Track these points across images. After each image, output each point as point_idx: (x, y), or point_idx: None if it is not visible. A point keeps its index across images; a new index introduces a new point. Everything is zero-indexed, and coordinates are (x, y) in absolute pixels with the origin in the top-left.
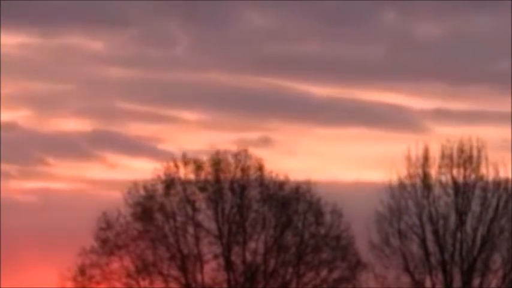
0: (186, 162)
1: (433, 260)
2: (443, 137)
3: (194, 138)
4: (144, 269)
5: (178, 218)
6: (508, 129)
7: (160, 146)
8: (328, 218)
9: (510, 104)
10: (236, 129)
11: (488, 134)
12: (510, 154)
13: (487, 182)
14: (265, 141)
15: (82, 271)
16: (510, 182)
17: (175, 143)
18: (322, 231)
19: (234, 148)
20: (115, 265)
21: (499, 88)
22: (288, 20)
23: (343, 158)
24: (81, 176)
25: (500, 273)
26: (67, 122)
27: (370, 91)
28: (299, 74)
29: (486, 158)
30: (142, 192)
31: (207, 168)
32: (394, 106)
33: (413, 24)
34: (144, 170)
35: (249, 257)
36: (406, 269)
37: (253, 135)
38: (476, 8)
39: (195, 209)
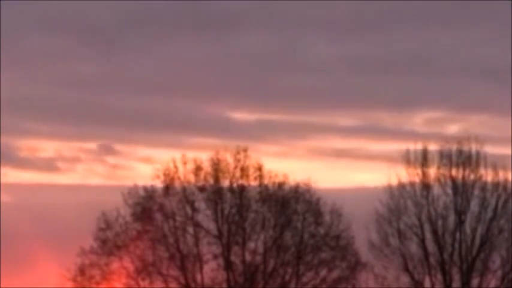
0: (185, 163)
1: (432, 260)
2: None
3: (44, 146)
4: (143, 269)
5: (178, 218)
6: (340, 139)
7: (18, 154)
8: (327, 218)
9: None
10: (77, 138)
11: (322, 144)
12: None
13: (486, 182)
14: (106, 149)
15: (82, 271)
16: (509, 182)
17: (29, 151)
18: (322, 231)
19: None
20: (115, 265)
21: (305, 101)
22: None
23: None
24: None
25: (499, 273)
26: None
27: (190, 103)
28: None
29: (485, 158)
30: (141, 192)
31: (206, 169)
32: (219, 117)
33: (174, 45)
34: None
35: (248, 257)
36: (406, 269)
37: (94, 144)
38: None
39: (194, 209)
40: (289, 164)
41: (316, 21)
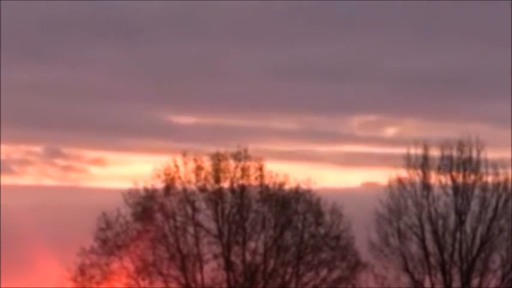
0: (186, 162)
1: (432, 260)
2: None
3: None
4: (144, 269)
5: (178, 218)
6: (279, 142)
7: None
8: (327, 218)
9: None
10: (23, 141)
11: (262, 147)
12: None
13: (486, 182)
14: (53, 152)
15: (82, 271)
16: (509, 182)
17: None
18: (322, 231)
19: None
20: (115, 265)
21: (243, 106)
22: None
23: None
24: None
25: (499, 273)
26: None
27: (130, 107)
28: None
29: (485, 158)
30: (142, 192)
31: (207, 168)
32: (160, 121)
33: (105, 51)
34: None
35: (248, 257)
36: (406, 269)
37: (39, 147)
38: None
39: (194, 209)
40: None
41: (250, 29)
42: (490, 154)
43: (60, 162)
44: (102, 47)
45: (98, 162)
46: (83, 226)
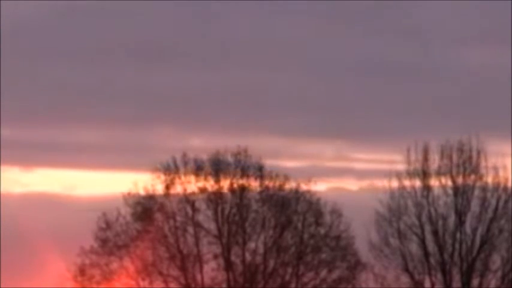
0: (186, 162)
1: (432, 260)
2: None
3: None
4: (143, 269)
5: (178, 218)
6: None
7: None
8: (327, 218)
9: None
10: None
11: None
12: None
13: (486, 183)
14: None
15: (82, 271)
16: (509, 183)
17: None
18: (322, 231)
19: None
20: (115, 265)
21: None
22: None
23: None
24: None
25: (499, 273)
26: None
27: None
28: None
29: (485, 159)
30: (142, 192)
31: (207, 168)
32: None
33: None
34: None
35: (248, 257)
36: (406, 269)
37: None
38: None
39: (194, 209)
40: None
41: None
42: None
43: None
44: None
45: None
46: None
